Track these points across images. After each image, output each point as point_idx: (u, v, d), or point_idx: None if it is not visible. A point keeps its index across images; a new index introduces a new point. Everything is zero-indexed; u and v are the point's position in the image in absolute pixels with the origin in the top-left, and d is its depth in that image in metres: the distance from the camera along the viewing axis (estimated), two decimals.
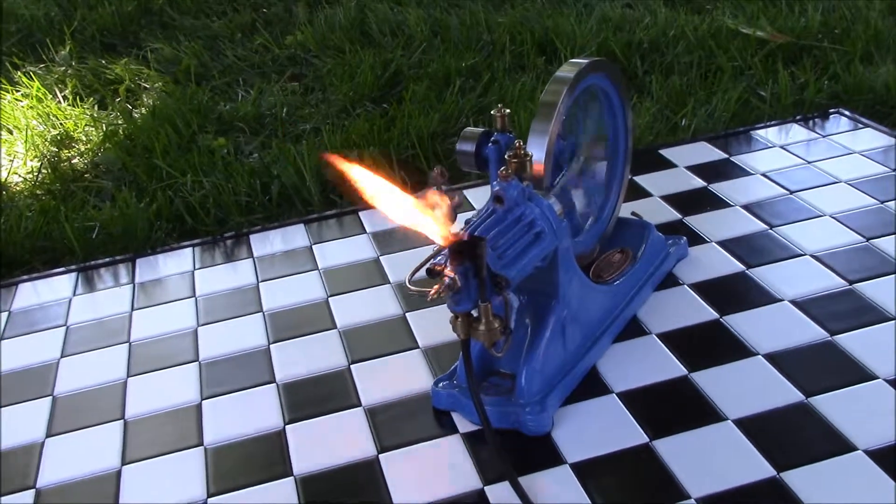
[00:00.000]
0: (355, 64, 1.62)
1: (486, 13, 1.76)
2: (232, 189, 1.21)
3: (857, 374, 0.78)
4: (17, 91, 1.68)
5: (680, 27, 1.58)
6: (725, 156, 1.21)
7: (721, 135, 1.28)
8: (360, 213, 1.17)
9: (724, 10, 1.68)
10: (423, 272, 0.70)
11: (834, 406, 0.75)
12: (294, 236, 1.13)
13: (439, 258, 0.70)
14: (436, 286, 0.68)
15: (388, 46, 1.71)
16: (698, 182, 1.15)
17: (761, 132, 1.27)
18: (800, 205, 1.07)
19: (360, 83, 1.54)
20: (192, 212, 1.19)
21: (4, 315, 1.04)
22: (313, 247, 1.10)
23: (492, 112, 0.90)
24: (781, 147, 1.22)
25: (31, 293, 1.08)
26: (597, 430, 0.76)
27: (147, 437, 0.81)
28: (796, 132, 1.25)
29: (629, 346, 0.86)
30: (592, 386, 0.81)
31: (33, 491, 0.76)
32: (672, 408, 0.77)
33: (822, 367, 0.80)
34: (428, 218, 0.69)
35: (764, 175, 1.15)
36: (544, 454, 0.74)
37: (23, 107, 1.61)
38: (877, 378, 0.78)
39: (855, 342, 0.82)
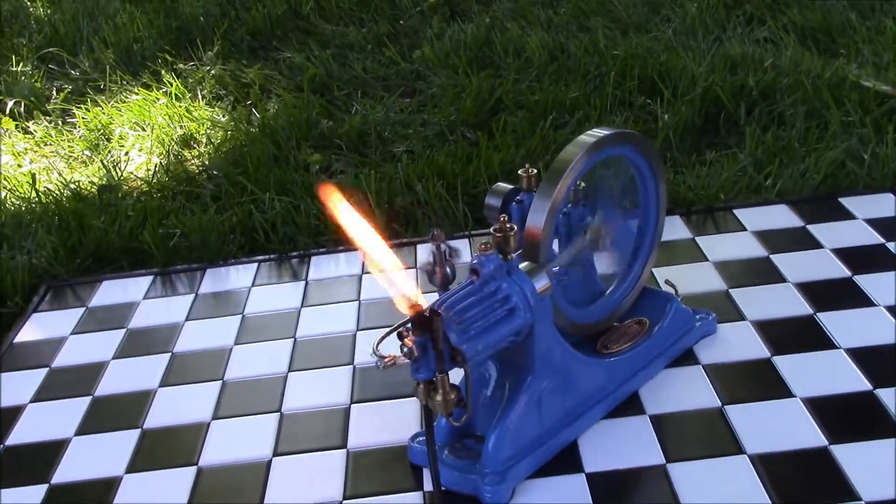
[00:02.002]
0: (465, 86, 1.65)
1: (606, 41, 1.74)
2: (304, 209, 1.27)
3: (845, 489, 0.74)
4: (161, 89, 1.82)
5: (800, 73, 1.50)
6: (801, 224, 1.16)
7: (806, 199, 1.22)
8: (418, 246, 1.20)
9: (857, 58, 1.58)
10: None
11: None
12: (351, 263, 1.18)
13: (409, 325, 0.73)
14: (391, 354, 0.71)
15: (505, 69, 1.72)
16: (760, 251, 1.11)
17: (848, 200, 1.20)
18: (857, 291, 1.00)
19: (461, 107, 1.57)
20: (266, 228, 1.26)
21: (82, 310, 1.15)
22: (362, 277, 1.15)
23: (519, 172, 0.92)
24: (865, 221, 1.15)
25: (110, 291, 1.19)
26: None
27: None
28: (886, 205, 1.17)
29: (618, 423, 0.85)
30: (567, 460, 0.81)
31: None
32: (634, 497, 0.76)
33: (813, 481, 0.76)
34: (396, 285, 0.72)
35: (834, 251, 1.09)
36: None
37: (161, 104, 1.75)
38: None
39: (855, 455, 0.78)
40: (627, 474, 0.79)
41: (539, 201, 0.82)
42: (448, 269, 0.78)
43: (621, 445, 0.82)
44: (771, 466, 0.78)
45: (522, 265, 0.79)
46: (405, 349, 0.71)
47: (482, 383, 0.82)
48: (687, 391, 0.88)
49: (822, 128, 1.37)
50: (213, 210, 1.31)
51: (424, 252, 1.18)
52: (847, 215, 1.17)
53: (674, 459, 0.80)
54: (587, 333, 0.91)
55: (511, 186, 0.91)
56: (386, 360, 0.71)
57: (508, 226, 0.77)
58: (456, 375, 0.72)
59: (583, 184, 0.89)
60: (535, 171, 0.91)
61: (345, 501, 0.79)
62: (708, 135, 1.45)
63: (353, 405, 0.91)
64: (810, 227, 1.15)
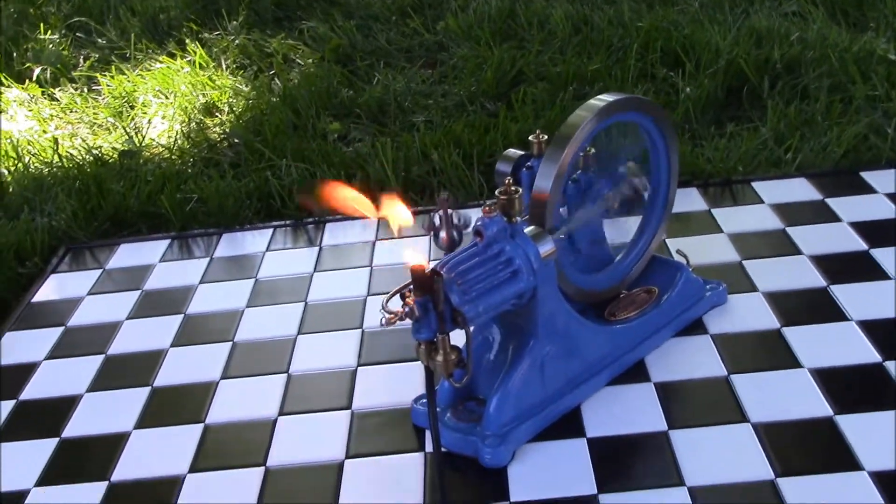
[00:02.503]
0: (487, 57, 1.64)
1: (632, 13, 1.72)
2: (319, 176, 1.27)
3: (848, 459, 0.74)
4: (185, 58, 1.83)
5: (826, 47, 1.48)
6: (820, 197, 1.14)
7: (826, 173, 1.20)
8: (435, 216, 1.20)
9: (886, 32, 1.55)
10: None
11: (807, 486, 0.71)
12: (365, 230, 1.19)
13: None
14: (395, 312, 0.71)
15: (529, 41, 1.71)
16: (776, 223, 1.09)
17: (870, 175, 1.18)
18: (872, 264, 0.99)
19: (482, 79, 1.56)
20: (282, 195, 1.27)
21: (99, 272, 1.16)
22: (375, 243, 1.15)
23: (529, 138, 0.91)
24: (886, 195, 1.13)
25: (127, 254, 1.20)
26: (552, 472, 0.76)
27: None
28: None
29: (622, 390, 0.85)
30: (569, 425, 0.81)
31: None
32: (634, 464, 0.76)
33: (816, 450, 0.75)
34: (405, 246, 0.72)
35: (852, 224, 1.07)
36: (492, 488, 0.75)
37: (184, 73, 1.76)
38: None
39: (860, 425, 0.77)
40: (629, 440, 0.79)
41: (546, 166, 0.81)
42: (455, 233, 0.78)
43: (624, 412, 0.82)
44: (774, 435, 0.77)
45: (528, 229, 0.79)
46: (406, 309, 0.71)
47: (486, 346, 0.82)
48: (694, 360, 0.88)
49: (846, 102, 1.35)
50: (231, 176, 1.32)
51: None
52: (867, 189, 1.15)
53: (676, 426, 0.79)
54: (595, 301, 0.90)
55: (521, 152, 0.90)
56: (389, 317, 0.71)
57: (513, 189, 0.77)
58: (458, 337, 0.72)
59: (592, 150, 0.88)
60: (546, 137, 0.91)
61: (347, 460, 0.80)
62: (731, 108, 1.44)
63: (359, 367, 0.92)
64: (829, 201, 1.13)
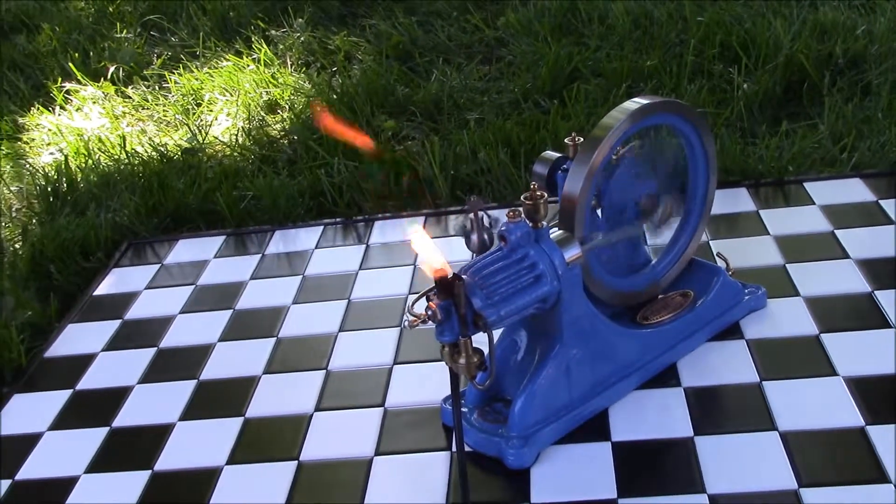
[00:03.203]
0: (544, 53, 1.64)
1: (694, 7, 1.70)
2: (369, 174, 1.30)
3: (877, 471, 0.73)
4: (251, 56, 1.87)
5: (893, 40, 1.43)
6: (874, 199, 1.11)
7: (883, 173, 1.17)
8: (466, 218, 1.21)
9: None
10: None
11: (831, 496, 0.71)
12: (411, 227, 1.20)
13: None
14: (422, 314, 0.73)
15: (588, 36, 1.70)
16: (825, 226, 1.07)
17: None
18: None
19: (537, 75, 1.56)
20: (332, 193, 1.30)
21: (157, 266, 1.21)
22: None
23: (566, 140, 0.92)
24: None
25: (185, 249, 1.25)
26: (575, 475, 0.77)
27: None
28: None
29: (652, 394, 0.85)
30: (595, 429, 0.82)
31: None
32: (657, 469, 0.76)
33: (843, 460, 0.74)
34: (425, 249, 0.74)
35: None
36: (515, 489, 0.77)
37: (249, 71, 1.81)
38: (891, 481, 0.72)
39: (890, 436, 0.76)
40: (653, 445, 0.79)
41: (577, 167, 0.82)
42: (485, 236, 0.79)
43: (652, 416, 0.82)
44: (801, 444, 0.76)
45: (554, 234, 0.80)
46: (429, 312, 0.73)
47: (513, 349, 0.84)
48: (727, 365, 0.87)
49: None
50: (286, 174, 1.35)
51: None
52: None
53: (703, 433, 0.79)
54: (629, 304, 0.91)
55: (558, 154, 0.91)
56: (412, 320, 0.73)
57: (539, 193, 0.78)
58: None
59: (626, 153, 0.88)
60: (581, 139, 0.91)
61: (376, 457, 0.82)
62: (790, 105, 1.41)
63: (395, 366, 0.94)
64: (883, 203, 1.10)
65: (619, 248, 0.91)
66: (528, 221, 0.78)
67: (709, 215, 0.93)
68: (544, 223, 0.79)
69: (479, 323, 0.73)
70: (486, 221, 0.79)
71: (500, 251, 0.78)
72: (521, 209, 0.78)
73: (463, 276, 0.74)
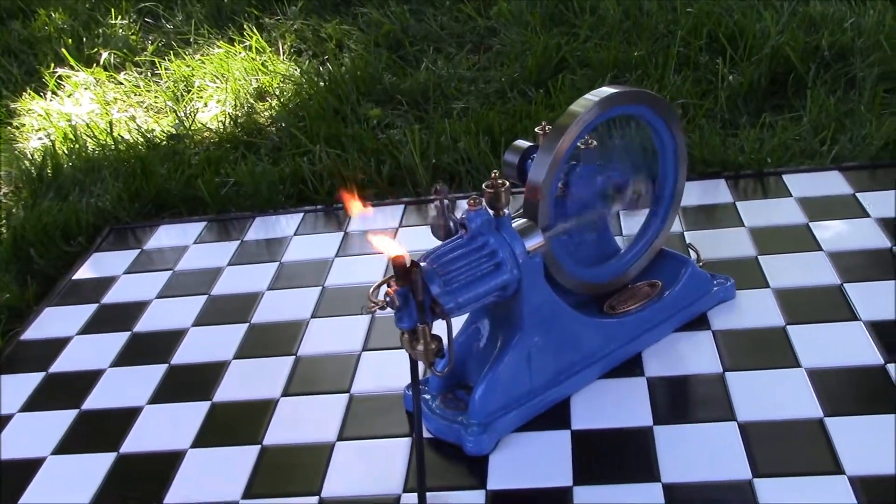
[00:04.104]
0: (533, 43, 1.64)
1: None
2: (349, 162, 1.30)
3: (832, 463, 0.73)
4: (243, 43, 1.88)
5: (879, 33, 1.43)
6: (852, 191, 1.11)
7: (863, 166, 1.16)
8: (431, 206, 1.21)
9: None
10: None
11: (784, 487, 0.71)
12: (391, 216, 1.21)
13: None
14: (375, 301, 0.73)
15: (579, 26, 1.70)
16: (800, 218, 1.07)
17: None
18: (890, 263, 0.96)
19: (523, 65, 1.56)
20: (313, 180, 1.30)
21: (137, 252, 1.22)
22: (398, 230, 1.17)
23: (536, 129, 0.92)
24: None
25: (165, 235, 1.25)
26: (533, 463, 0.77)
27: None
28: None
29: (615, 384, 0.85)
30: (557, 417, 0.82)
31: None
32: (613, 457, 0.76)
33: (800, 452, 0.74)
34: (383, 240, 0.74)
35: (879, 220, 1.04)
36: (472, 475, 0.77)
37: (240, 58, 1.81)
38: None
39: (847, 427, 0.76)
40: (612, 434, 0.79)
41: (541, 155, 0.82)
42: (451, 224, 0.80)
43: (613, 405, 0.82)
44: (758, 435, 0.76)
45: (517, 223, 0.80)
46: (387, 298, 0.73)
47: (476, 336, 0.84)
48: (692, 356, 0.87)
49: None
50: (268, 161, 1.36)
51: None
52: None
53: (662, 422, 0.79)
54: (596, 293, 0.91)
55: (529, 144, 0.91)
56: (369, 305, 0.74)
57: (500, 182, 0.78)
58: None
59: (593, 141, 0.88)
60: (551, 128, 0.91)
61: (338, 442, 0.83)
62: (776, 97, 1.40)
63: (363, 353, 0.94)
64: (860, 195, 1.10)
65: (587, 238, 0.91)
66: (489, 210, 0.78)
67: (679, 206, 0.93)
68: (506, 211, 0.79)
69: (437, 310, 0.74)
70: (451, 209, 0.79)
71: (460, 239, 0.78)
72: (481, 196, 0.78)
73: (422, 263, 0.75)
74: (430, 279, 0.74)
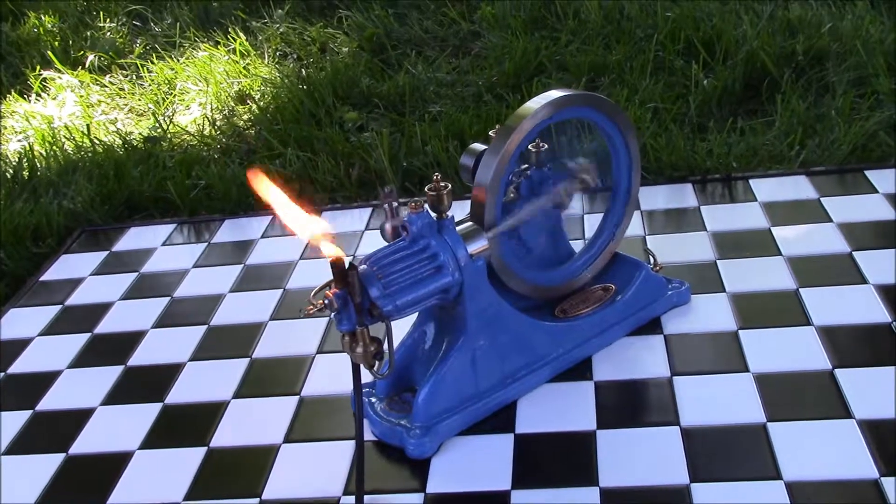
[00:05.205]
0: (514, 47, 1.64)
1: (664, 4, 1.69)
2: (319, 165, 1.30)
3: (772, 467, 0.72)
4: (228, 46, 1.88)
5: (855, 38, 1.42)
6: (816, 196, 1.11)
7: (830, 171, 1.16)
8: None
9: None
10: None
11: (721, 491, 0.70)
12: (359, 219, 1.21)
13: None
14: (313, 304, 0.74)
15: (560, 30, 1.70)
16: (762, 223, 1.07)
17: (876, 174, 1.14)
18: (851, 267, 0.96)
19: (501, 70, 1.56)
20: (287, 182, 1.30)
21: (105, 253, 1.22)
22: (363, 233, 1.17)
23: (490, 133, 0.91)
24: (885, 195, 1.09)
25: (135, 237, 1.26)
26: (474, 466, 0.77)
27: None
28: None
29: (563, 388, 0.85)
30: (502, 420, 0.82)
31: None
32: (554, 461, 0.76)
33: (741, 456, 0.74)
34: (322, 238, 0.74)
35: (840, 225, 1.04)
36: (412, 478, 0.77)
37: (224, 61, 1.82)
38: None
39: (788, 433, 0.75)
40: (555, 438, 0.79)
41: (488, 157, 0.82)
42: (399, 226, 0.80)
43: (559, 410, 0.82)
44: (701, 440, 0.76)
45: (462, 226, 0.80)
46: (326, 300, 0.73)
47: (422, 339, 0.84)
48: (642, 360, 0.87)
49: (869, 97, 1.30)
50: (237, 164, 1.36)
51: None
52: (868, 189, 1.11)
53: (605, 426, 0.79)
54: (548, 297, 0.90)
55: (485, 147, 0.91)
56: (308, 308, 0.74)
57: (442, 184, 0.78)
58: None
59: (544, 145, 0.88)
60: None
61: (283, 444, 0.83)
62: (750, 101, 1.40)
63: (317, 355, 0.94)
64: (825, 200, 1.10)
65: (540, 242, 0.91)
66: (431, 212, 0.78)
67: (633, 210, 0.93)
68: (449, 214, 0.79)
69: (375, 312, 0.74)
70: (399, 212, 0.79)
71: (402, 241, 0.78)
72: (424, 200, 0.78)
73: (362, 266, 0.75)
74: (369, 282, 0.74)
